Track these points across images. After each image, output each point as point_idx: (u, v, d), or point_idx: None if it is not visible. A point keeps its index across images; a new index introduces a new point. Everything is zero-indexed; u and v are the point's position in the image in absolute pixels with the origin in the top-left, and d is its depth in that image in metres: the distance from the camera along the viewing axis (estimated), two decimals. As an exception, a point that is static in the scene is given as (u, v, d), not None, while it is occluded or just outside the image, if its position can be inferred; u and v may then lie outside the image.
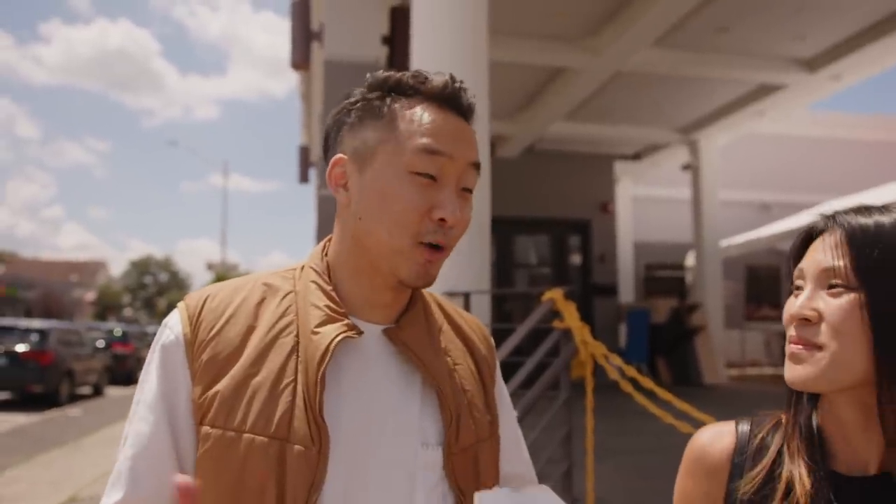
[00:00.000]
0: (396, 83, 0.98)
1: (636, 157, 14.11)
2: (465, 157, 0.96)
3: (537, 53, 8.44)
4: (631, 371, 3.27)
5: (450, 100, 0.97)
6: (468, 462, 0.99)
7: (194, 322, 0.96)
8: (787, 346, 0.90)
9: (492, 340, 1.17)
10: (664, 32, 7.87)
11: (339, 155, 0.99)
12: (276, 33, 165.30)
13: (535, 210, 12.60)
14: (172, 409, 0.94)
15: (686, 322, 11.75)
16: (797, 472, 0.90)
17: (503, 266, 12.88)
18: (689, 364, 11.55)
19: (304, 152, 13.57)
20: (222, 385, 0.91)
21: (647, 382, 3.19)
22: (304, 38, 6.40)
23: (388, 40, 5.95)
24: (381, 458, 0.93)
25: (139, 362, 21.84)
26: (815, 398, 0.94)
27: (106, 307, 60.23)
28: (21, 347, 14.11)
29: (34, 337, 14.47)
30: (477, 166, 0.98)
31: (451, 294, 3.83)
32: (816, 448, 0.91)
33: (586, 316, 13.08)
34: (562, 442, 3.48)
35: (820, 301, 0.87)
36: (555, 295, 3.33)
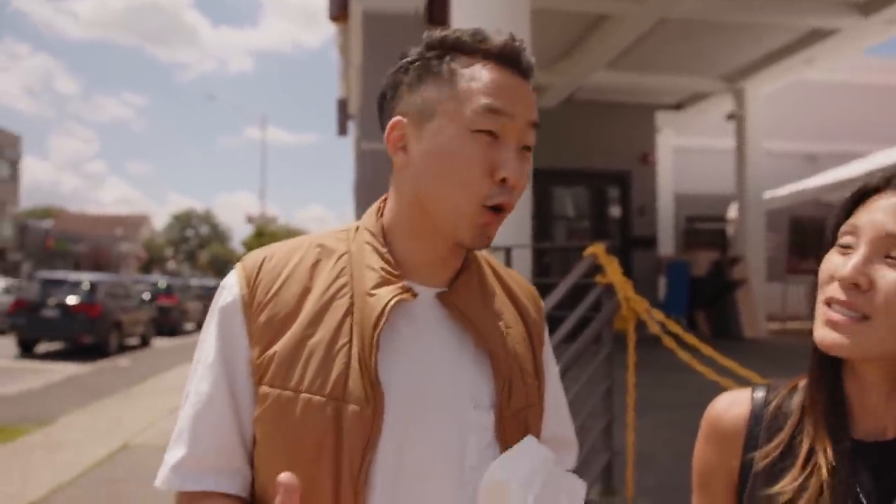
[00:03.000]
0: (455, 41, 0.96)
1: (678, 106, 13.77)
2: (525, 117, 0.95)
3: (579, 0, 8.21)
4: (674, 326, 3.24)
5: (510, 59, 0.96)
6: (519, 425, 0.99)
7: (252, 284, 0.97)
8: (822, 307, 0.86)
9: (542, 303, 1.16)
10: (711, -24, 7.59)
11: (398, 118, 0.98)
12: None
13: (574, 161, 12.43)
14: (231, 370, 0.96)
15: (727, 275, 11.59)
16: (819, 440, 0.89)
17: (542, 218, 12.79)
18: (729, 317, 11.43)
19: (343, 105, 13.52)
20: (279, 346, 0.93)
21: (690, 338, 3.17)
22: (342, -11, 6.33)
23: (425, -11, 5.85)
24: (433, 419, 0.93)
25: (183, 314, 22.43)
26: (840, 363, 0.92)
27: (151, 260, 61.69)
28: (72, 300, 14.60)
29: (83, 290, 14.94)
30: (536, 126, 0.97)
31: (492, 249, 3.83)
32: (836, 415, 0.90)
33: (625, 269, 13.03)
34: (603, 396, 3.49)
35: (875, 268, 0.83)
36: (597, 250, 3.30)
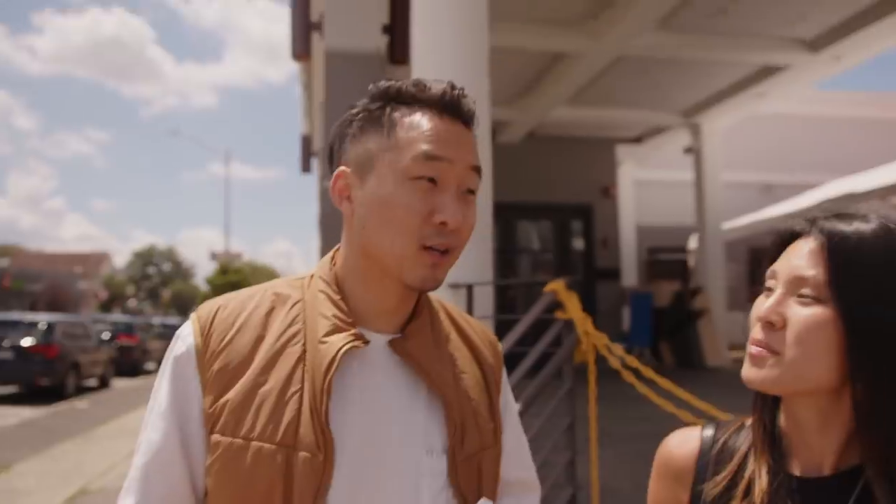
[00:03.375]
0: (396, 92, 0.99)
1: (638, 140, 14.07)
2: (464, 161, 0.97)
3: (538, 39, 8.40)
4: (633, 361, 3.29)
5: (449, 107, 0.98)
6: (472, 469, 1.00)
7: (206, 333, 0.98)
8: (748, 345, 0.92)
9: (499, 348, 1.18)
10: (665, 15, 7.83)
11: (342, 168, 1.00)
12: (272, 20, 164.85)
13: (537, 195, 12.59)
14: (184, 419, 0.96)
15: (688, 305, 11.77)
16: (757, 471, 0.93)
17: (506, 252, 12.89)
18: (692, 347, 11.59)
19: (306, 141, 13.54)
20: (232, 394, 0.94)
21: (648, 372, 3.22)
22: (305, 28, 6.38)
23: (388, 29, 5.93)
24: (386, 466, 0.94)
25: (144, 353, 21.94)
26: (778, 400, 0.96)
27: (111, 298, 60.45)
28: (27, 341, 14.19)
29: (39, 330, 14.55)
30: (478, 170, 0.99)
31: (454, 286, 3.84)
32: (777, 449, 0.94)
33: (589, 300, 13.16)
34: (565, 431, 3.51)
35: (788, 307, 0.88)
36: (556, 286, 3.35)
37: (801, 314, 0.86)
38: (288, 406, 0.92)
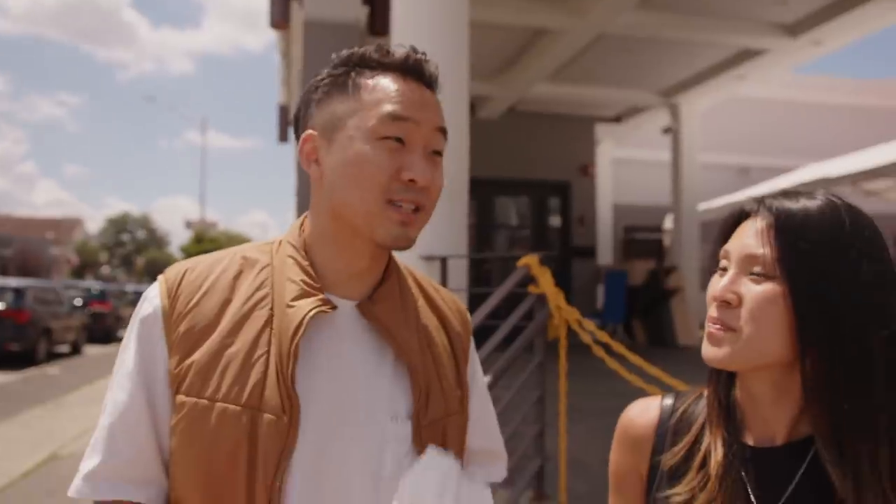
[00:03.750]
0: (360, 58, 1.01)
1: (617, 119, 14.10)
2: (430, 122, 0.99)
3: (519, 14, 8.36)
4: (603, 336, 3.34)
5: (412, 70, 1.00)
6: (436, 435, 1.02)
7: (172, 295, 0.99)
8: (706, 325, 0.94)
9: (468, 317, 1.19)
10: (647, -6, 7.82)
11: (309, 131, 1.02)
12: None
13: (515, 171, 12.60)
14: (150, 379, 0.96)
15: (662, 284, 11.90)
16: (713, 443, 0.96)
17: (483, 227, 12.92)
18: (665, 325, 11.74)
19: (284, 111, 13.41)
20: (197, 355, 0.94)
21: (619, 347, 3.27)
22: (283, -4, 6.31)
23: (368, 0, 5.88)
24: (350, 430, 0.95)
25: (117, 320, 21.78)
26: (732, 374, 0.99)
27: (84, 265, 59.72)
28: (-3, 306, 14.02)
29: (10, 295, 14.37)
30: (443, 131, 1.01)
31: (428, 258, 3.86)
32: (732, 421, 0.97)
33: (565, 277, 13.24)
34: (535, 404, 3.57)
35: (741, 285, 0.91)
36: (530, 261, 3.37)
37: (754, 291, 0.89)
38: (254, 368, 0.93)
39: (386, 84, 0.99)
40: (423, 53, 1.03)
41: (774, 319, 0.88)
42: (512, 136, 12.36)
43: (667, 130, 12.96)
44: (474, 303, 4.13)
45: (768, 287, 0.89)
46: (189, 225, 43.49)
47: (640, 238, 16.53)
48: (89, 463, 0.96)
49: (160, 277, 1.03)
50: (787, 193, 0.94)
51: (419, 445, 0.99)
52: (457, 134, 4.24)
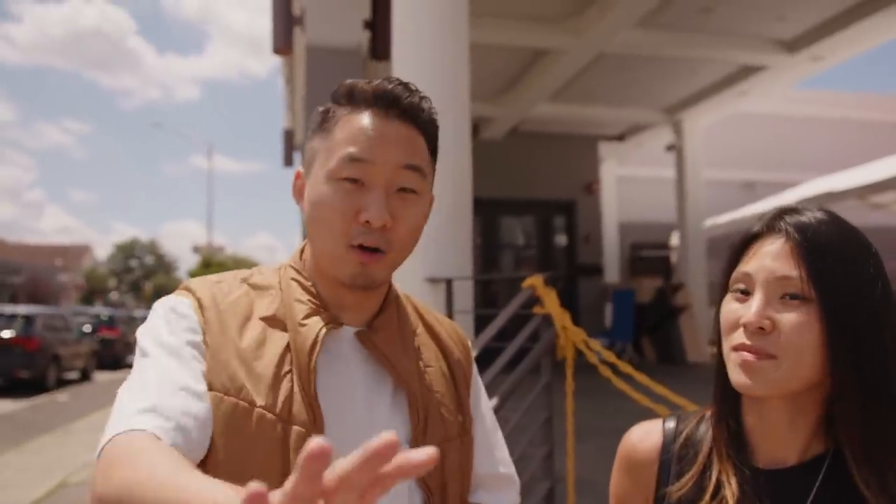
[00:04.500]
0: (344, 92, 1.02)
1: (620, 137, 14.14)
2: (391, 161, 0.97)
3: (519, 35, 8.43)
4: (610, 356, 3.34)
5: (385, 102, 0.99)
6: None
7: (196, 300, 1.00)
8: (732, 354, 0.92)
9: (469, 344, 1.19)
10: (647, 13, 7.88)
11: (299, 168, 1.06)
12: (255, 11, 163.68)
13: (520, 191, 12.64)
14: (198, 357, 0.94)
15: (670, 301, 11.87)
16: (725, 472, 0.94)
17: (489, 247, 12.94)
18: (674, 343, 11.69)
19: (289, 136, 13.50)
20: (233, 355, 0.95)
21: (626, 367, 3.26)
22: (286, 23, 6.37)
23: (369, 25, 5.93)
24: (353, 450, 0.96)
25: (126, 346, 21.77)
26: (739, 397, 0.97)
27: (92, 291, 59.88)
28: (7, 333, 14.08)
29: (20, 323, 14.44)
30: (413, 167, 0.99)
31: (433, 280, 3.88)
32: (741, 446, 0.96)
33: (571, 297, 13.19)
34: (542, 425, 3.56)
35: (773, 310, 0.89)
36: (535, 282, 3.38)
37: (791, 316, 0.87)
38: (283, 383, 0.95)
39: (353, 122, 0.99)
40: (407, 84, 1.01)
41: (811, 343, 0.87)
42: (516, 156, 12.41)
43: (670, 148, 12.99)
44: (481, 324, 4.13)
45: (803, 311, 0.87)
46: (196, 250, 43.64)
47: (647, 255, 16.52)
48: (135, 406, 0.85)
49: (180, 290, 1.03)
50: (790, 210, 0.93)
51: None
52: (459, 156, 4.27)
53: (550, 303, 3.33)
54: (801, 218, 0.91)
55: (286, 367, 0.97)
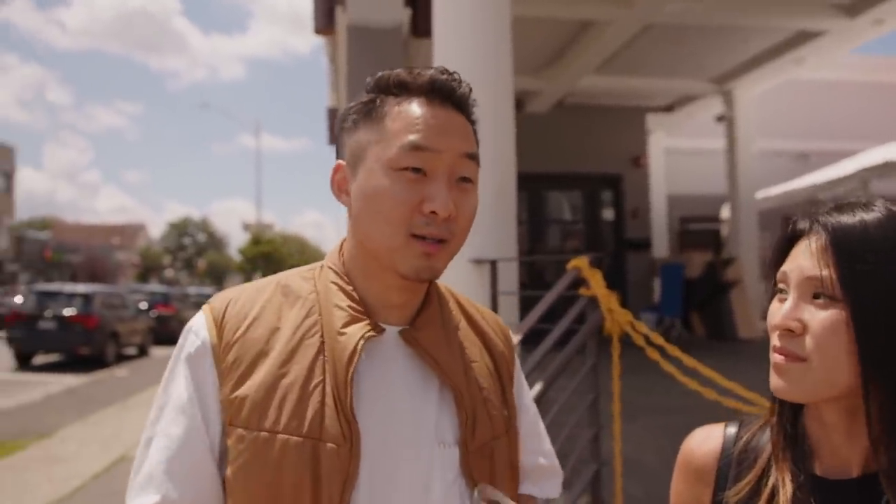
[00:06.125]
0: (388, 82, 1.00)
1: (669, 108, 13.82)
2: (454, 150, 0.96)
3: (564, 7, 8.25)
4: (657, 338, 3.28)
5: (439, 93, 0.98)
6: (484, 459, 1.01)
7: (219, 325, 0.98)
8: (771, 354, 0.89)
9: (511, 336, 1.18)
10: (696, -19, 7.63)
11: (339, 161, 1.03)
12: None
13: (566, 165, 12.47)
14: (205, 413, 0.95)
15: (721, 276, 11.63)
16: (781, 477, 0.91)
17: (535, 223, 12.84)
18: (724, 318, 11.47)
19: (333, 113, 13.54)
20: (252, 387, 0.93)
21: (674, 350, 3.21)
22: (327, 2, 6.35)
23: (410, 2, 5.88)
24: (400, 457, 0.95)
25: (181, 323, 22.37)
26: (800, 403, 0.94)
27: (148, 269, 61.57)
28: (68, 311, 14.61)
29: (79, 301, 14.98)
30: (472, 156, 0.99)
31: (477, 262, 3.86)
32: (800, 453, 0.92)
33: (619, 272, 13.05)
34: (589, 407, 3.53)
35: (805, 311, 0.85)
36: (580, 263, 3.34)
37: (819, 318, 0.84)
38: (311, 398, 0.93)
39: (409, 111, 0.96)
40: (454, 73, 1.00)
41: (843, 346, 0.83)
42: (562, 130, 12.23)
43: (720, 118, 12.64)
44: (526, 305, 4.11)
45: (833, 312, 0.84)
46: (246, 227, 44.39)
47: (697, 229, 16.19)
48: (145, 500, 0.92)
49: (204, 307, 1.02)
50: (841, 207, 0.89)
51: (467, 470, 0.99)
52: (503, 132, 4.21)
53: (596, 284, 3.29)
54: (842, 215, 0.87)
55: (316, 379, 0.95)
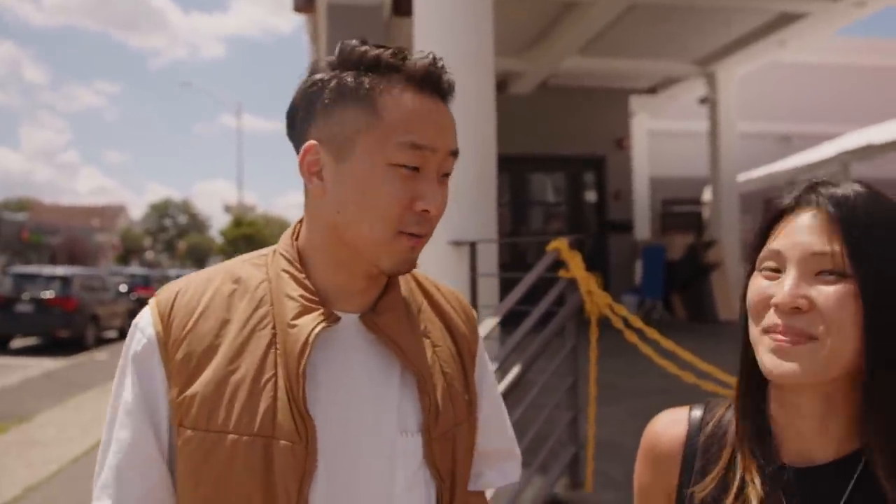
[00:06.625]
0: (374, 60, 0.92)
1: (652, 90, 13.81)
2: (446, 147, 0.94)
3: (548, -13, 8.20)
4: (636, 321, 3.28)
5: (431, 83, 0.94)
6: (447, 446, 0.99)
7: (166, 320, 0.94)
8: (763, 337, 0.85)
9: (473, 314, 1.15)
10: (680, -38, 7.59)
11: (313, 142, 0.94)
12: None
13: (549, 147, 12.46)
14: (153, 414, 0.92)
15: (702, 258, 11.70)
16: (749, 469, 0.89)
17: (518, 204, 12.84)
18: (705, 300, 11.56)
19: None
20: (201, 384, 0.90)
21: (653, 333, 3.21)
22: (307, -20, 6.26)
23: (392, -20, 5.80)
24: (361, 448, 0.93)
25: (162, 305, 22.27)
26: (764, 386, 0.92)
27: (128, 251, 61.10)
28: (46, 294, 14.46)
29: (58, 284, 14.83)
30: (455, 153, 0.96)
31: (456, 244, 3.83)
32: (766, 442, 0.90)
33: (601, 254, 13.09)
34: (568, 390, 3.53)
35: (809, 288, 0.82)
36: (559, 245, 3.32)
37: (829, 293, 0.81)
38: (263, 394, 0.89)
39: (405, 101, 0.91)
40: (440, 60, 0.96)
41: (851, 323, 0.80)
42: (545, 112, 12.20)
43: (703, 100, 12.65)
44: (507, 287, 4.09)
45: (841, 287, 0.81)
46: (228, 209, 44.09)
47: (679, 211, 16.27)
48: (100, 488, 0.92)
49: (151, 302, 0.98)
50: (824, 183, 0.87)
51: (430, 458, 0.97)
52: (484, 113, 4.18)
53: (575, 266, 3.27)
54: (836, 190, 0.85)
55: (268, 374, 0.91)
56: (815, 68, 16.58)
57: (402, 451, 0.95)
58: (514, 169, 12.04)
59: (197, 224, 72.59)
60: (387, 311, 0.98)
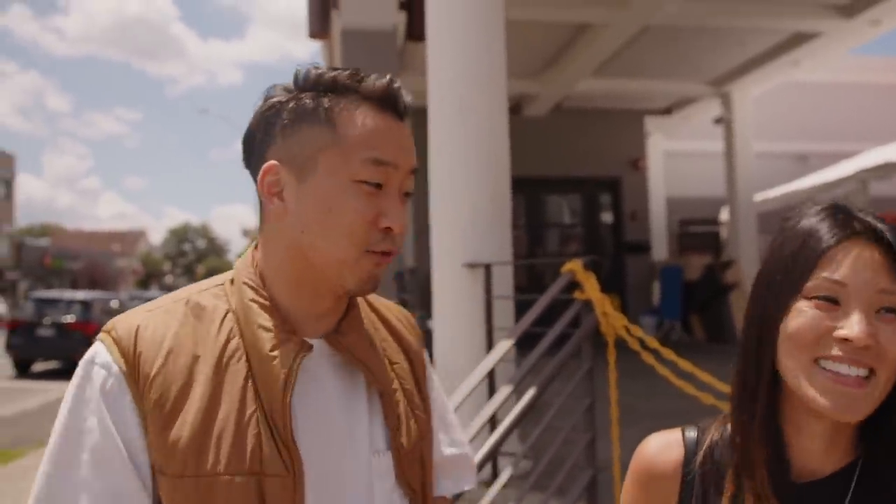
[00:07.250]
0: (331, 82, 0.93)
1: (667, 111, 13.80)
2: (407, 165, 0.95)
3: (559, 10, 8.24)
4: (653, 342, 3.25)
5: (390, 102, 0.94)
6: (416, 461, 1.01)
7: (131, 357, 0.89)
8: (815, 369, 0.85)
9: (418, 327, 1.16)
10: (693, -17, 7.62)
11: (272, 162, 0.93)
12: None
13: (564, 169, 12.46)
14: (133, 457, 0.87)
15: (720, 278, 11.61)
16: (765, 493, 0.88)
17: (534, 227, 12.82)
18: (723, 320, 11.44)
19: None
20: (184, 428, 0.86)
21: (669, 353, 3.18)
22: (322, 6, 6.34)
23: (405, 5, 5.87)
24: (342, 472, 0.93)
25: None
26: (773, 402, 0.91)
27: (149, 275, 61.63)
28: (67, 318, 14.61)
29: (78, 308, 14.96)
30: (414, 171, 0.98)
31: (471, 266, 3.83)
32: (785, 466, 0.90)
33: (619, 275, 13.00)
34: (585, 412, 3.50)
35: (875, 327, 0.83)
36: (574, 266, 3.31)
37: (890, 333, 0.83)
38: (248, 431, 0.87)
39: (365, 120, 0.92)
40: (398, 81, 0.97)
41: None
42: (560, 134, 12.22)
43: (718, 120, 12.62)
44: (522, 309, 4.08)
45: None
46: (246, 233, 44.41)
47: (696, 231, 16.16)
48: None
49: (105, 338, 0.91)
50: (863, 213, 0.88)
51: (402, 475, 0.98)
52: (497, 136, 4.19)
53: (590, 288, 3.26)
54: (881, 225, 0.87)
55: (249, 409, 0.89)
56: (831, 87, 16.50)
57: (376, 471, 0.96)
58: (530, 191, 12.06)
59: (215, 248, 73.13)
60: (351, 331, 0.99)
